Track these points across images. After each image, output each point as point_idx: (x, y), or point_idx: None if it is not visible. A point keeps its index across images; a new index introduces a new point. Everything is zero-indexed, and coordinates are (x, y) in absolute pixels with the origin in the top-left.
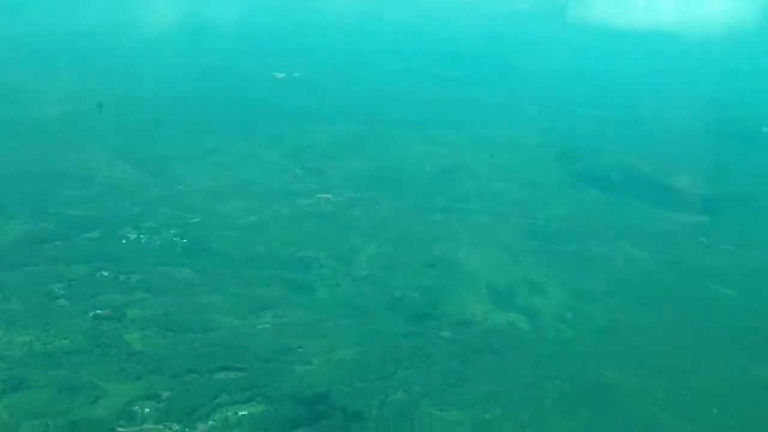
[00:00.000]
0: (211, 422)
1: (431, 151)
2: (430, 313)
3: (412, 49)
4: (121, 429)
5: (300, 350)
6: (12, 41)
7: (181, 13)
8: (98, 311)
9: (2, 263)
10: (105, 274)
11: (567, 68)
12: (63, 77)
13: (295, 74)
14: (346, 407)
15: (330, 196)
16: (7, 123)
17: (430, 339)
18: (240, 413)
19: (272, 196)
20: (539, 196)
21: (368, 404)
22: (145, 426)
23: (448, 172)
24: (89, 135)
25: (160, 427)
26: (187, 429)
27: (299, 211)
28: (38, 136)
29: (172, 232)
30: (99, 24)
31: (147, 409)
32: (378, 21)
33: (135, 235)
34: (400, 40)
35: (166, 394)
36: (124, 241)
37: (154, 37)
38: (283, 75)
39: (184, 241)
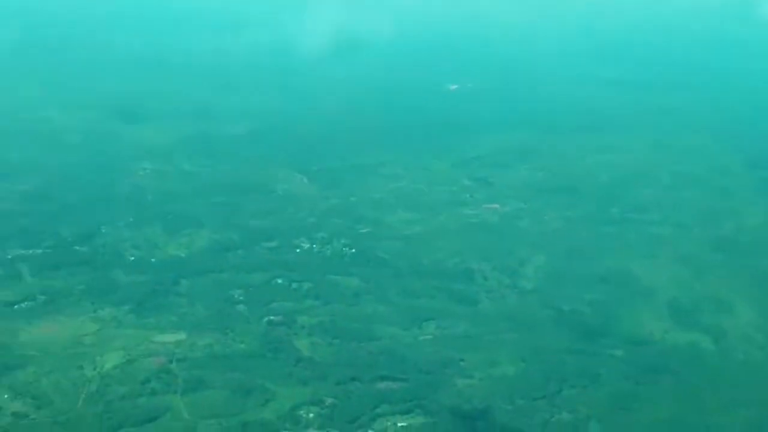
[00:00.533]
0: (370, 431)
1: (606, 158)
2: (601, 330)
3: (585, 51)
4: None
5: (461, 363)
6: (197, 62)
7: (350, 28)
8: (272, 317)
9: (191, 270)
10: (279, 281)
11: (756, 68)
12: (244, 95)
13: (469, 85)
14: (507, 425)
15: (497, 206)
16: (200, 140)
17: (600, 357)
18: (399, 424)
19: (439, 207)
20: (727, 205)
21: (530, 423)
22: (309, 431)
23: (624, 181)
24: (271, 151)
25: None
26: None
27: (465, 222)
28: (226, 152)
29: (342, 242)
30: (267, 42)
31: (311, 414)
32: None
33: (308, 245)
34: (573, 42)
35: (329, 401)
36: (298, 251)
37: (325, 53)
38: (456, 86)
39: (353, 251)
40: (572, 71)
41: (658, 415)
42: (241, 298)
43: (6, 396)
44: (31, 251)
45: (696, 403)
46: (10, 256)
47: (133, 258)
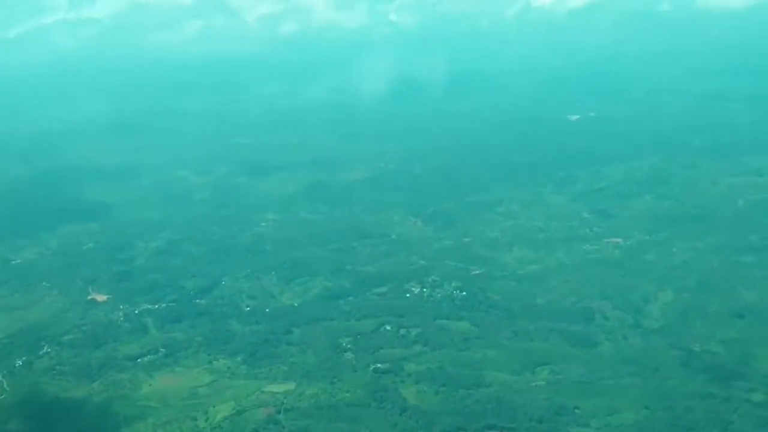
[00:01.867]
0: None
1: (743, 182)
2: (737, 372)
3: (717, 68)
4: None
5: (576, 411)
6: (320, 113)
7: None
8: (378, 365)
9: (303, 319)
10: (388, 328)
11: None
12: (364, 141)
13: (591, 114)
14: None
15: (619, 240)
16: (319, 188)
17: (734, 402)
18: None
19: (556, 244)
20: None
21: None
22: None
23: (764, 205)
24: (387, 195)
25: None
26: None
27: (583, 258)
28: (343, 199)
29: (453, 284)
30: (388, 88)
31: None
32: (660, 44)
33: (419, 289)
34: (692, 60)
35: None
36: (408, 295)
37: (444, 91)
38: (577, 117)
39: (464, 293)
40: (696, 89)
41: None
42: (349, 346)
43: None
44: (156, 306)
45: None
46: (137, 311)
47: (248, 308)
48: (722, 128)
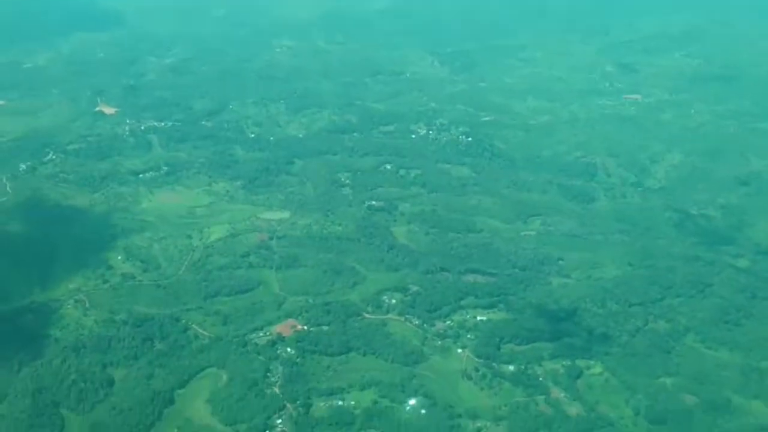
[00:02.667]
0: (448, 322)
1: None
2: (729, 237)
3: None
4: (367, 315)
5: (560, 262)
6: None
7: None
8: (373, 202)
9: (306, 151)
10: (388, 167)
11: None
12: None
13: None
14: (594, 328)
15: (638, 97)
16: (339, 17)
17: (718, 267)
18: (479, 318)
19: (573, 96)
20: None
21: (620, 329)
22: (389, 316)
23: None
24: (406, 30)
25: (402, 319)
26: (425, 325)
27: (598, 113)
28: (362, 30)
29: (461, 129)
30: None
31: (393, 301)
32: None
33: (425, 131)
34: None
35: (414, 289)
36: (413, 136)
37: None
38: None
39: (469, 139)
40: None
41: (767, 333)
42: (347, 181)
43: (119, 257)
44: (162, 123)
45: None
46: (143, 127)
47: (253, 135)
48: None
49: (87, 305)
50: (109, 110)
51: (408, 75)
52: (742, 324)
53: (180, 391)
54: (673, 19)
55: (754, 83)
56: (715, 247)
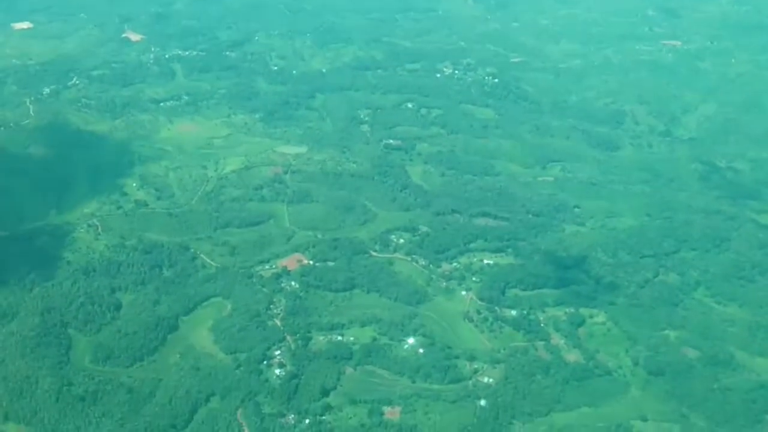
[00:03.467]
0: (455, 264)
1: None
2: (755, 191)
3: None
4: (374, 253)
5: (576, 210)
6: None
7: None
8: (391, 141)
9: (328, 86)
10: (410, 105)
11: None
12: None
13: None
14: (602, 278)
15: (678, 43)
16: None
17: (739, 221)
18: (486, 261)
19: (609, 40)
20: None
21: (628, 279)
22: (396, 255)
23: None
24: None
25: (408, 258)
26: (431, 266)
27: (634, 59)
28: None
29: (488, 70)
30: None
31: (402, 240)
32: None
33: (451, 70)
34: None
35: (423, 229)
36: (438, 75)
37: None
38: None
39: (496, 80)
40: None
41: None
42: (367, 118)
43: (134, 184)
44: (187, 52)
45: None
46: (167, 56)
47: (276, 68)
48: None
49: (99, 230)
50: (135, 37)
51: (440, 12)
52: (756, 280)
53: (184, 318)
54: None
55: None
56: (740, 201)
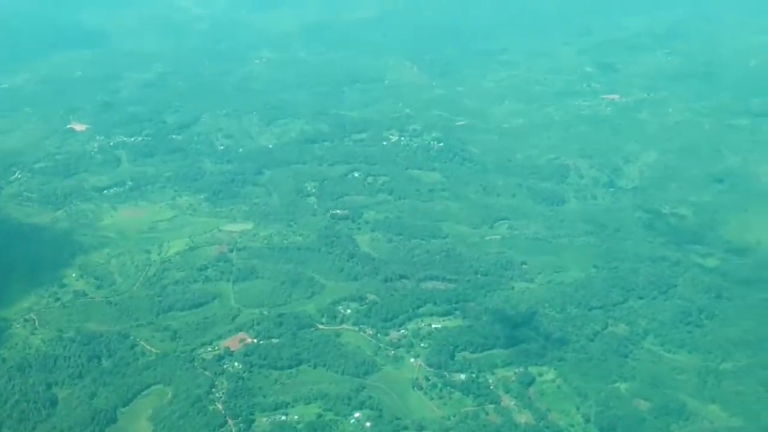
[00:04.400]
0: (403, 331)
1: (766, 39)
2: (700, 236)
3: None
4: (321, 326)
5: (524, 266)
6: None
7: None
8: (338, 211)
9: (276, 161)
10: (356, 175)
11: None
12: None
13: None
14: (551, 333)
15: (616, 96)
16: (321, 27)
17: (684, 267)
18: (434, 326)
19: (550, 98)
20: None
21: (577, 333)
22: (343, 326)
23: None
24: (388, 38)
25: (356, 329)
26: (379, 334)
27: (574, 114)
28: (344, 40)
29: (433, 135)
30: None
31: (349, 310)
32: None
33: (397, 137)
34: None
35: (371, 298)
36: (384, 143)
37: None
38: None
39: (441, 144)
40: None
41: (729, 335)
42: (314, 190)
43: (74, 275)
44: (132, 138)
45: None
46: (112, 143)
47: (222, 147)
48: None
49: (36, 324)
50: (80, 127)
51: (387, 82)
52: (704, 325)
53: (123, 410)
54: (659, 16)
55: (734, 78)
56: (685, 246)
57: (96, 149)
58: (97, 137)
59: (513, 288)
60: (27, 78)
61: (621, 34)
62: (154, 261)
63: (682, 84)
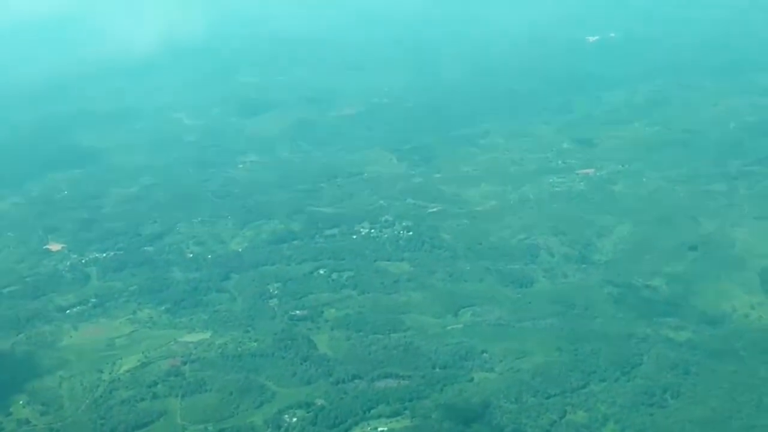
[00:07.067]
0: None
1: (743, 102)
2: (673, 307)
3: None
4: None
5: (484, 355)
6: (326, 47)
7: None
8: (297, 312)
9: (244, 264)
10: (321, 272)
11: None
12: (365, 76)
13: (611, 35)
14: (504, 427)
15: (590, 171)
16: (306, 127)
17: (651, 343)
18: (380, 429)
19: (526, 177)
20: None
21: (533, 425)
22: None
23: (757, 126)
24: (372, 132)
25: None
26: None
27: (548, 192)
28: (329, 137)
29: (404, 224)
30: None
31: (295, 419)
32: None
33: (368, 230)
34: None
35: (320, 402)
36: (354, 237)
37: (453, 16)
38: (596, 38)
39: (410, 233)
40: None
41: (693, 414)
42: (276, 291)
43: (21, 402)
44: (104, 254)
45: (750, 401)
46: (84, 260)
47: (191, 255)
48: (750, 43)
49: None
50: (55, 247)
51: (365, 175)
52: (667, 404)
53: None
54: (639, 89)
55: (710, 144)
56: (656, 319)
57: (67, 268)
58: (72, 256)
59: (472, 379)
60: (15, 202)
61: (601, 109)
62: (104, 380)
63: (658, 153)
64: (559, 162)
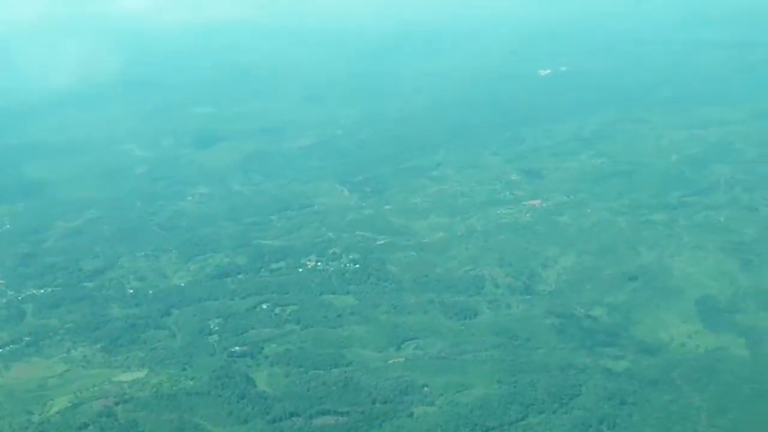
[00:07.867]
0: None
1: (687, 135)
2: (613, 337)
3: (716, 12)
4: None
5: (425, 389)
6: (283, 76)
7: (443, 18)
8: (237, 348)
9: (186, 299)
10: (264, 306)
11: None
12: (322, 107)
13: (562, 69)
14: None
15: (538, 202)
16: (258, 159)
17: (589, 373)
18: None
19: (474, 209)
20: None
21: None
22: None
23: (698, 159)
24: (325, 163)
25: None
26: None
27: (494, 223)
28: (281, 168)
29: (351, 257)
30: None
31: None
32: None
33: (314, 263)
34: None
35: None
36: (300, 270)
37: (412, 51)
38: (548, 71)
39: (357, 266)
40: (688, 37)
41: None
42: (217, 328)
43: None
44: (42, 290)
45: (684, 430)
46: (20, 297)
47: (132, 291)
48: (695, 78)
49: None
50: None
51: (315, 207)
52: None
53: None
54: (587, 122)
55: (653, 175)
56: (596, 349)
57: (3, 305)
58: (9, 292)
59: (412, 414)
60: None
61: (549, 141)
62: (34, 422)
63: (603, 184)
64: (507, 193)
